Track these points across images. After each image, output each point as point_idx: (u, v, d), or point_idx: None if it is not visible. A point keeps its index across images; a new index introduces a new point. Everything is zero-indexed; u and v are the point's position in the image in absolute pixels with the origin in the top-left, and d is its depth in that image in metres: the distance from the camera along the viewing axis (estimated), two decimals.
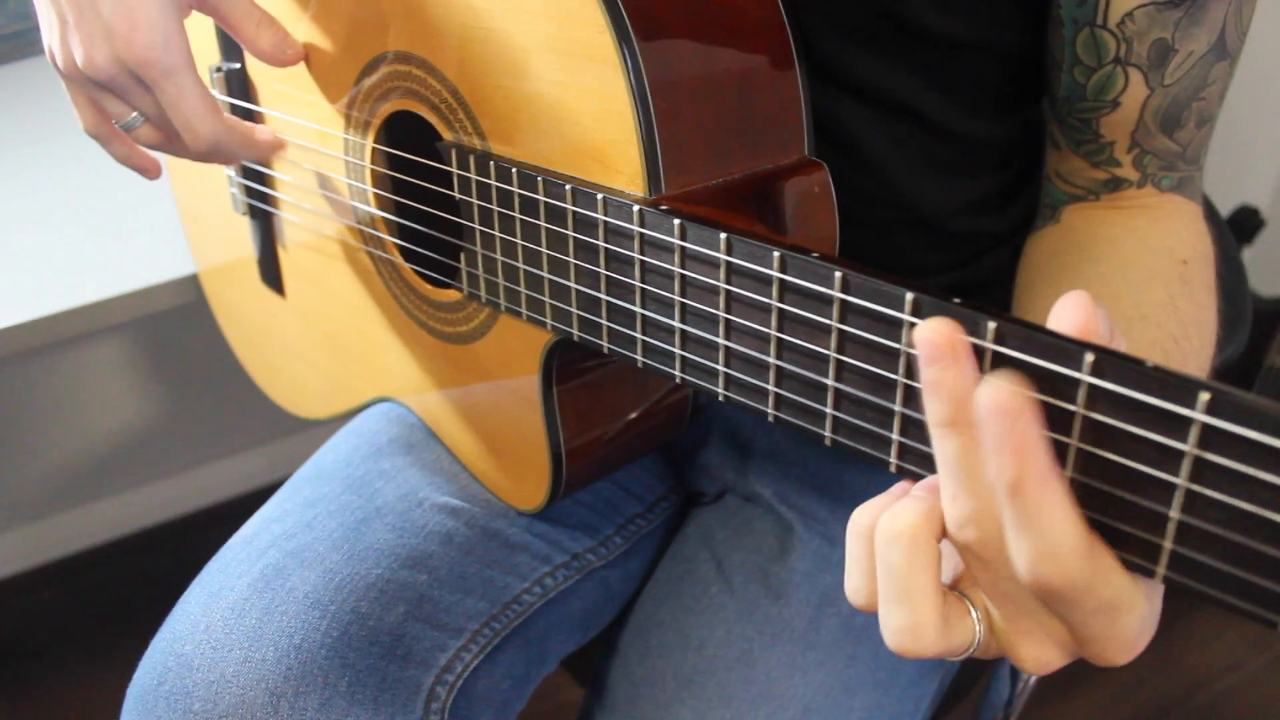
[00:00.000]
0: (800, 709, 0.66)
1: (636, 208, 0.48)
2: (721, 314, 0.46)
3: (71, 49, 0.57)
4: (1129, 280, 0.60)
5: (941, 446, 0.38)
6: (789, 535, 0.71)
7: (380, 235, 0.67)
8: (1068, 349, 0.36)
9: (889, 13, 0.58)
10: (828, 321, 0.42)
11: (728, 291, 0.46)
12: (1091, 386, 0.36)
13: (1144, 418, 0.35)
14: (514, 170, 0.54)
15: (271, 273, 0.81)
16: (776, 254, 0.43)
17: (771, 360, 0.45)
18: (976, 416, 0.35)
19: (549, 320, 0.56)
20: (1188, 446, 0.34)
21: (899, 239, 0.68)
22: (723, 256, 0.45)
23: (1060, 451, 0.37)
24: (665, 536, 0.78)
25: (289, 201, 0.75)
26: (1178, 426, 0.34)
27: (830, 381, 0.43)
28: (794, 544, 0.70)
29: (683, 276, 0.47)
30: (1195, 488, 0.34)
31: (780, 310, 0.44)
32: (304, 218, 0.74)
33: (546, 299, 0.55)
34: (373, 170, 0.66)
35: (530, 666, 0.69)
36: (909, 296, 0.39)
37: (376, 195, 0.66)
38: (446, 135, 0.59)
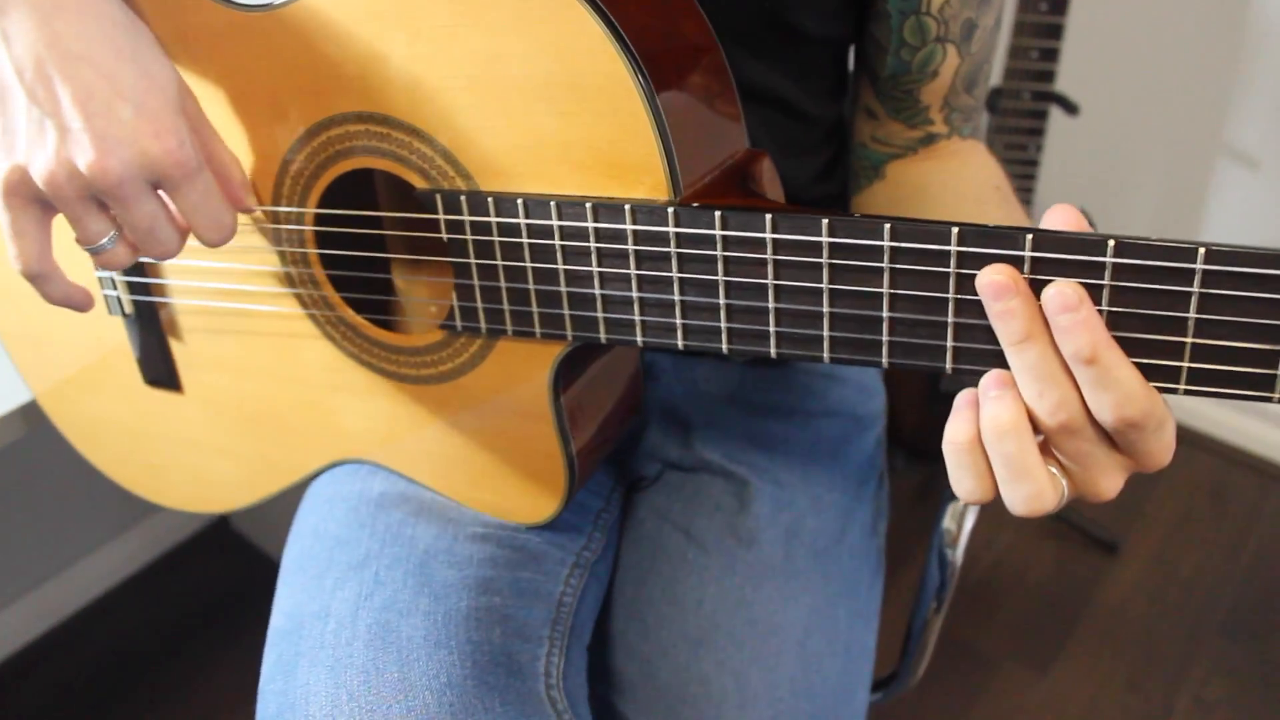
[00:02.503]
0: (801, 631, 0.76)
1: (671, 210, 0.55)
2: (770, 282, 0.55)
3: (72, 157, 0.53)
4: (969, 207, 0.75)
5: (1022, 357, 0.48)
6: (745, 489, 0.80)
7: (327, 295, 0.69)
8: (1093, 240, 0.48)
9: (775, 19, 0.69)
10: (880, 265, 0.52)
11: (775, 261, 0.54)
12: (1116, 264, 0.48)
13: (1158, 276, 0.47)
14: (519, 201, 0.59)
15: (160, 370, 0.78)
16: (825, 221, 0.52)
17: (825, 310, 0.54)
18: (1049, 316, 0.47)
19: (570, 332, 0.61)
20: (1194, 288, 0.47)
21: None
22: (769, 234, 0.53)
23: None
24: (620, 527, 0.84)
25: (191, 288, 0.74)
26: (1185, 276, 0.47)
27: (885, 314, 0.53)
28: (751, 495, 0.79)
29: (725, 259, 0.55)
30: (1203, 316, 0.47)
31: (831, 266, 0.53)
32: (213, 300, 0.73)
33: (566, 312, 0.61)
34: (316, 234, 0.67)
35: (583, 661, 0.73)
36: (954, 230, 0.50)
37: (320, 257, 0.68)
38: (421, 184, 0.62)
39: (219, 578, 1.85)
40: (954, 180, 0.76)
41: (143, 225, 0.57)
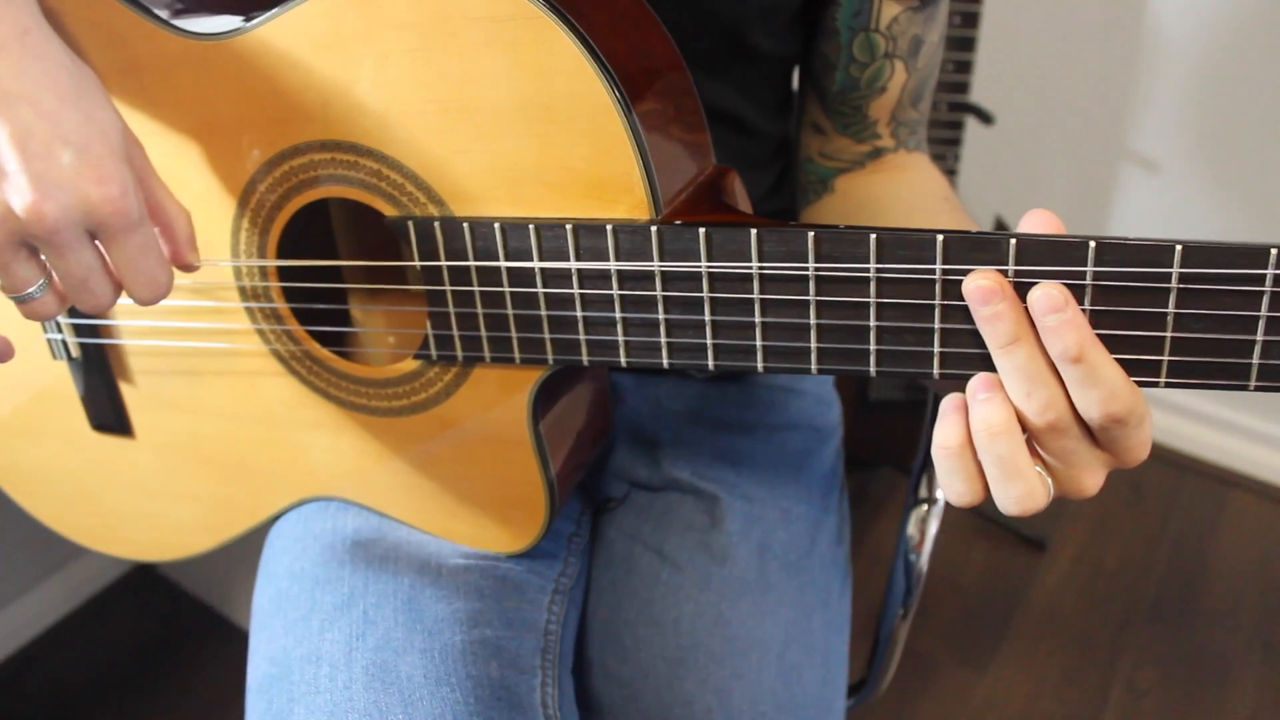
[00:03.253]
0: (780, 645, 0.76)
1: (654, 229, 0.55)
2: (756, 297, 0.55)
3: (6, 199, 0.51)
4: (920, 218, 0.76)
5: (1010, 359, 0.50)
6: (716, 505, 0.80)
7: (292, 329, 0.67)
8: (1074, 243, 0.49)
9: (733, 38, 0.70)
10: (866, 275, 0.53)
11: (761, 276, 0.54)
12: (1097, 265, 0.49)
13: (1137, 276, 0.49)
14: (496, 225, 0.58)
15: (109, 415, 0.75)
16: (810, 234, 0.53)
17: (812, 322, 0.55)
18: (1036, 317, 0.48)
19: (551, 356, 0.61)
20: (1173, 284, 0.49)
21: None
22: (753, 249, 0.54)
23: None
24: (589, 550, 0.83)
25: (143, 328, 0.71)
26: (1163, 274, 0.48)
27: (872, 323, 0.54)
28: (722, 511, 0.80)
29: (710, 275, 0.55)
30: (1181, 311, 0.49)
31: (817, 278, 0.54)
32: (168, 339, 0.71)
33: (547, 336, 0.60)
34: (280, 267, 0.66)
35: (571, 689, 0.72)
36: (940, 239, 0.51)
37: (283, 290, 0.66)
38: (390, 212, 0.61)
39: (145, 623, 1.79)
40: (904, 192, 0.77)
41: (76, 275, 0.54)
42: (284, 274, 0.66)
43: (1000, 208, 1.84)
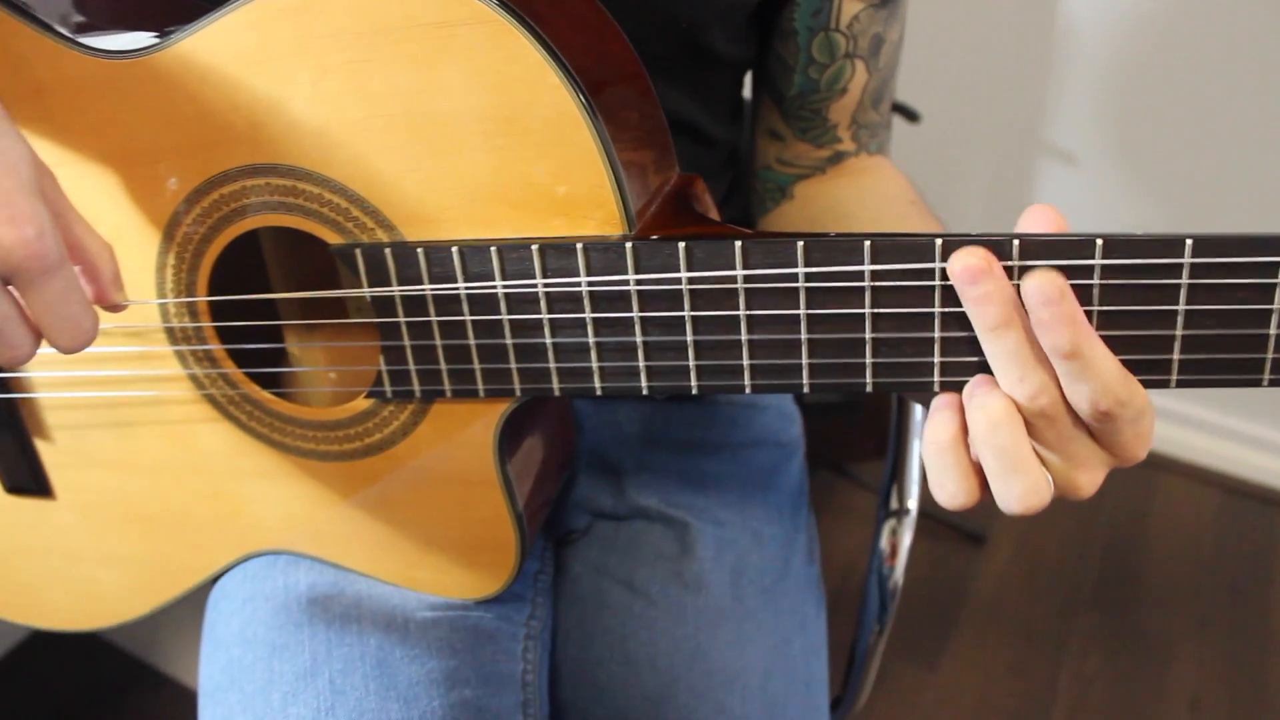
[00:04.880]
0: (761, 675, 0.72)
1: (630, 245, 0.51)
2: (742, 313, 0.51)
3: None
4: (889, 223, 0.74)
5: (1000, 344, 0.46)
6: (687, 532, 0.76)
7: (228, 371, 0.61)
8: (1081, 240, 0.47)
9: (689, 43, 0.66)
10: (861, 284, 0.49)
11: (746, 291, 0.51)
12: (1105, 263, 0.47)
13: (1146, 272, 0.46)
14: (454, 250, 0.53)
15: (24, 475, 0.68)
16: (800, 243, 0.49)
17: (804, 337, 0.51)
18: (1030, 309, 0.45)
19: (518, 386, 0.56)
20: (1183, 280, 0.46)
21: None
22: (739, 261, 0.50)
23: (1087, 318, 0.48)
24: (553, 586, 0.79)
25: (60, 379, 0.65)
26: (1173, 269, 0.46)
27: (868, 335, 0.50)
28: (693, 537, 0.76)
29: (691, 293, 0.51)
30: (1192, 307, 0.47)
31: (808, 290, 0.50)
32: (90, 390, 0.64)
33: (513, 366, 0.56)
34: (212, 305, 0.60)
35: None
36: (938, 243, 0.48)
37: (216, 330, 0.61)
38: (334, 239, 0.56)
39: (62, 680, 1.68)
40: (869, 198, 0.74)
41: None
42: (217, 312, 0.61)
43: (928, 203, 1.84)
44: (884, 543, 0.83)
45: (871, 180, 0.76)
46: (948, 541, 1.97)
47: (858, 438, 1.98)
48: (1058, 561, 1.92)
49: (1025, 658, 1.75)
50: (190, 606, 0.73)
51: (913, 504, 0.84)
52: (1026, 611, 1.82)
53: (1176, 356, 0.48)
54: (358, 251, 0.55)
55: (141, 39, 0.56)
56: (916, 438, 0.87)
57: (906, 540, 0.83)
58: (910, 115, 1.53)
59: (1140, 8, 1.70)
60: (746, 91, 0.81)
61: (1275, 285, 0.46)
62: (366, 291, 0.56)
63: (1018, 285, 0.47)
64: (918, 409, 0.87)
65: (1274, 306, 0.46)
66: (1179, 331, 0.47)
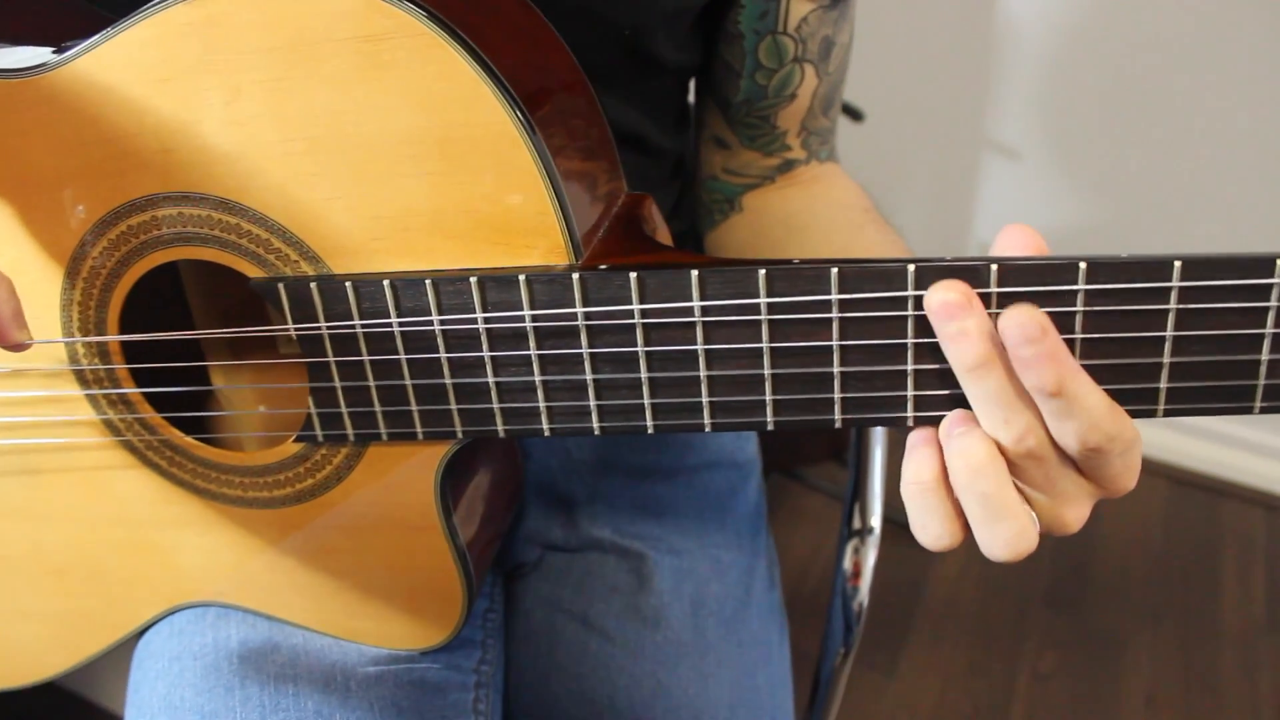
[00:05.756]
0: (726, 710, 0.69)
1: (577, 276, 0.47)
2: (700, 347, 0.48)
3: None
4: (844, 233, 0.70)
5: (980, 385, 0.43)
6: (643, 563, 0.72)
7: (145, 415, 0.56)
8: (1062, 264, 0.44)
9: (633, 50, 0.62)
10: (828, 315, 0.46)
11: (704, 324, 0.47)
12: (1089, 288, 0.44)
13: (1133, 296, 0.43)
14: (385, 283, 0.49)
15: None
16: (762, 272, 0.46)
17: (767, 372, 0.48)
18: (1009, 348, 0.42)
19: (459, 428, 0.52)
20: (1171, 304, 0.43)
21: None
22: (694, 292, 0.46)
23: (1070, 345, 0.45)
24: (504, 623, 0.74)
25: None
26: (1161, 294, 0.43)
27: (836, 369, 0.47)
28: (649, 569, 0.72)
29: (644, 326, 0.48)
30: (1180, 333, 0.44)
31: (771, 322, 0.46)
32: None
33: (453, 407, 0.51)
34: (124, 345, 0.55)
35: None
36: (911, 269, 0.44)
37: (132, 372, 0.56)
38: (254, 273, 0.51)
39: None
40: (822, 207, 0.71)
41: None
42: (131, 353, 0.56)
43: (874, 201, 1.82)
44: (848, 562, 0.80)
45: (824, 189, 0.73)
46: (899, 544, 1.94)
47: (808, 441, 1.96)
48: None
49: (982, 658, 1.74)
50: None
51: (876, 522, 0.81)
52: (981, 611, 1.81)
53: (1164, 385, 0.45)
54: (280, 286, 0.50)
55: (34, 55, 0.51)
56: (878, 447, 0.84)
57: (871, 559, 0.80)
58: (855, 114, 1.50)
59: (1079, 4, 1.69)
60: (692, 97, 0.77)
61: (1267, 309, 0.43)
62: (292, 329, 0.51)
63: (996, 314, 0.44)
64: None
65: (1266, 330, 0.43)
66: (1167, 359, 0.44)
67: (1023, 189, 1.90)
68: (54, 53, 0.51)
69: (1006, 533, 0.44)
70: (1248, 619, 1.75)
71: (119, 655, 0.68)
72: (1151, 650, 1.71)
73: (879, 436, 0.83)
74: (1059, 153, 1.85)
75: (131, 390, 0.56)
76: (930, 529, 0.46)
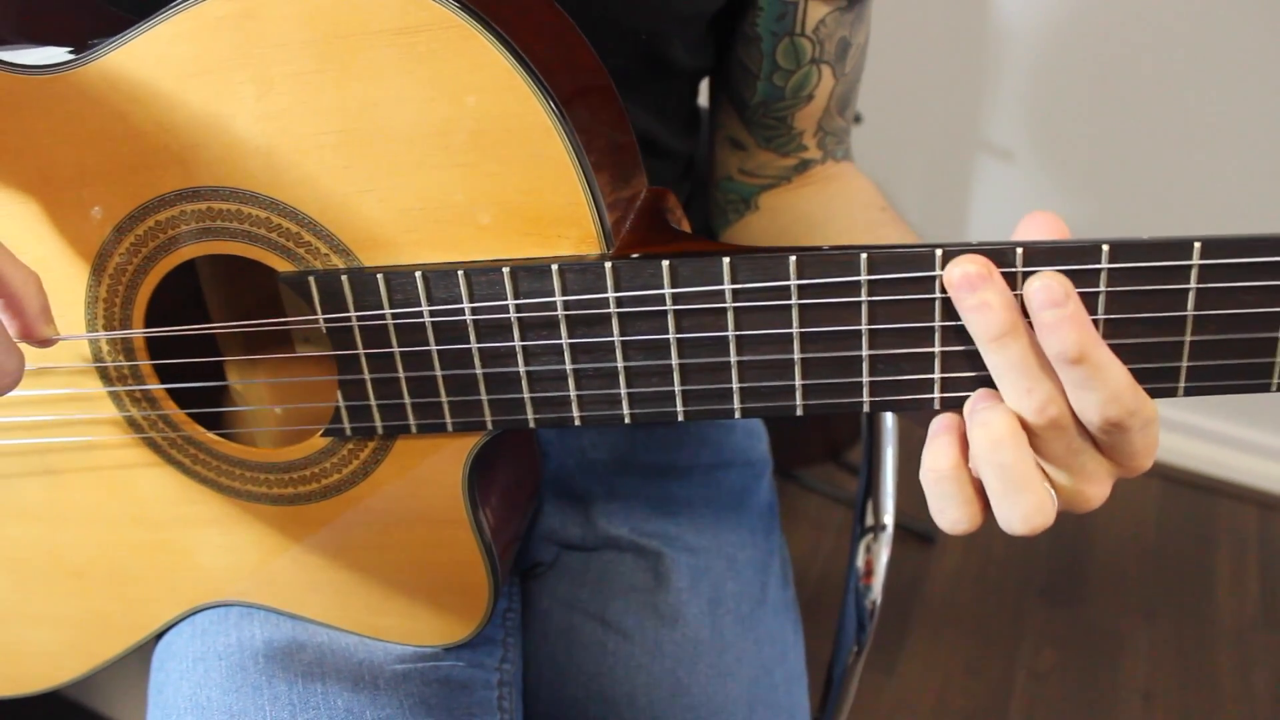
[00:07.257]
0: (745, 709, 0.69)
1: (609, 265, 0.48)
2: (731, 333, 0.48)
3: None
4: (861, 232, 0.71)
5: (1003, 355, 0.44)
6: (660, 561, 0.72)
7: (169, 412, 0.56)
8: (1086, 246, 0.44)
9: (650, 53, 0.63)
10: (857, 299, 0.46)
11: (736, 310, 0.48)
12: (1112, 268, 0.44)
13: (1154, 275, 0.44)
14: (418, 275, 0.49)
15: None
16: (792, 258, 0.46)
17: (796, 356, 0.48)
18: (1032, 312, 0.42)
19: (489, 419, 0.52)
20: (1191, 284, 0.44)
21: None
22: (726, 278, 0.47)
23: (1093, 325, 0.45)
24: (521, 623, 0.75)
25: None
26: (1181, 273, 0.44)
27: (865, 352, 0.48)
28: (667, 567, 0.72)
29: (676, 312, 0.48)
30: (1200, 312, 0.45)
31: (801, 306, 0.47)
32: (9, 438, 0.59)
33: (484, 398, 0.52)
34: (149, 342, 0.55)
35: None
36: (939, 253, 0.45)
37: (156, 369, 0.56)
38: (284, 267, 0.52)
39: None
40: (839, 205, 0.72)
41: None
42: (156, 349, 0.56)
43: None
44: (860, 560, 0.81)
45: (839, 188, 0.73)
46: (897, 542, 1.95)
47: (806, 442, 1.97)
48: (1007, 557, 1.92)
49: (980, 656, 1.74)
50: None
51: (889, 519, 0.81)
52: (979, 609, 1.82)
53: (1185, 364, 0.46)
54: (311, 279, 0.51)
55: (62, 53, 0.51)
56: (889, 445, 0.84)
57: (884, 557, 0.81)
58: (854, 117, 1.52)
59: (1073, 6, 1.71)
60: (703, 100, 0.78)
61: None
62: (322, 321, 0.51)
63: (1019, 296, 0.44)
64: (888, 417, 0.84)
65: None
66: (1188, 337, 0.45)
67: (1017, 190, 1.91)
68: (80, 50, 0.51)
69: (1025, 505, 0.45)
70: (1242, 616, 1.77)
71: (131, 669, 0.68)
72: (1148, 645, 1.72)
73: (890, 434, 0.84)
74: (1053, 154, 1.87)
75: (156, 386, 0.56)
76: (948, 513, 0.46)
